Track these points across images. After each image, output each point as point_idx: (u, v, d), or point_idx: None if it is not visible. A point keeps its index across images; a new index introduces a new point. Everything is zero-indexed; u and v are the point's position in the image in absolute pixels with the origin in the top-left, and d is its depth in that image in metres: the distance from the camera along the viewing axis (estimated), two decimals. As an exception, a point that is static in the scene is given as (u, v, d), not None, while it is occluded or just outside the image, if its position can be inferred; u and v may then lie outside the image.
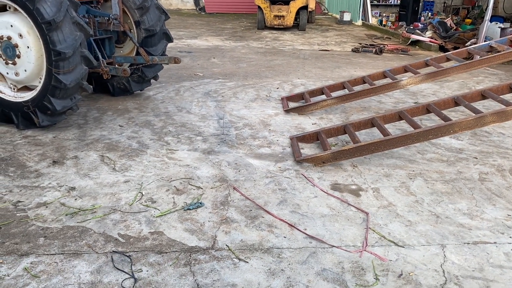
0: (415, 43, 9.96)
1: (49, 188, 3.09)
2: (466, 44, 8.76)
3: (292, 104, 5.17)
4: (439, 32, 9.71)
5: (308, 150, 3.86)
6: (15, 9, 3.81)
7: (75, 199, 2.94)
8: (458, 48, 8.86)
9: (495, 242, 2.55)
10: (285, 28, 12.73)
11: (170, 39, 5.23)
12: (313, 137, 3.98)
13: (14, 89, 4.17)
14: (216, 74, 6.82)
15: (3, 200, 2.91)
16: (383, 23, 14.20)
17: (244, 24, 14.19)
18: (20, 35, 3.86)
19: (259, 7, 12.50)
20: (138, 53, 4.96)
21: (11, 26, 3.85)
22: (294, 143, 3.87)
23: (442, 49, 9.30)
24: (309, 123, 4.57)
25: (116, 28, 4.76)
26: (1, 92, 4.15)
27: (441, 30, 9.70)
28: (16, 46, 3.90)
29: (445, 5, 17.45)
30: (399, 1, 16.70)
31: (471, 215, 2.84)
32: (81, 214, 2.75)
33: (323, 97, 5.06)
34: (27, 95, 4.06)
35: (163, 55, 5.16)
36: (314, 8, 14.29)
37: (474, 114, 3.51)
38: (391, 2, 17.54)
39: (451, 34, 9.47)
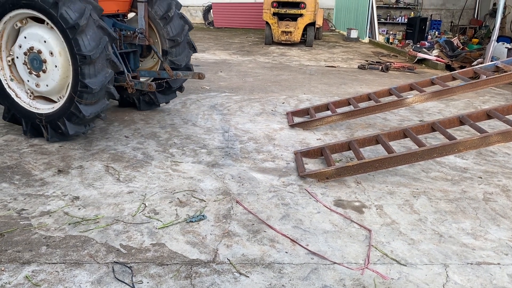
0: (422, 61, 9.99)
1: (53, 197, 3.11)
2: (472, 64, 8.77)
3: (297, 119, 5.19)
4: (445, 51, 9.75)
5: (312, 165, 3.86)
6: (52, 27, 3.81)
7: (79, 209, 2.95)
8: (464, 67, 8.88)
9: (498, 263, 2.53)
10: (292, 44, 12.82)
11: (194, 49, 5.20)
12: (317, 153, 3.98)
13: (30, 96, 4.17)
14: (222, 88, 6.86)
15: (7, 208, 2.92)
16: (390, 41, 14.27)
17: (251, 39, 14.31)
18: (51, 53, 3.87)
19: (267, 22, 12.62)
20: (162, 67, 4.95)
21: (45, 41, 3.85)
22: (298, 158, 3.88)
23: (449, 68, 9.32)
24: (313, 139, 4.58)
25: (141, 42, 4.76)
26: (17, 96, 4.15)
27: (448, 49, 9.74)
28: (44, 61, 3.91)
29: (452, 24, 17.57)
30: (406, 20, 16.83)
31: (475, 235, 2.82)
32: (84, 224, 2.76)
33: (328, 113, 5.08)
34: (43, 109, 4.08)
35: (187, 67, 5.12)
36: (321, 25, 14.41)
37: (479, 134, 3.50)
38: (398, 21, 17.69)
39: (457, 53, 9.50)
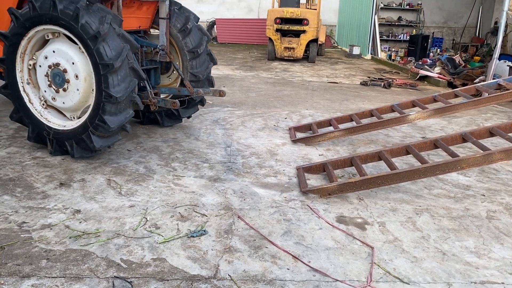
0: (424, 78, 10.04)
1: (54, 210, 3.10)
2: (474, 81, 8.81)
3: (299, 135, 5.19)
4: (447, 68, 9.80)
5: (314, 181, 3.85)
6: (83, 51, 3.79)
7: (80, 222, 2.94)
8: (466, 84, 8.92)
9: (502, 283, 2.50)
10: (295, 60, 12.91)
11: (214, 61, 5.16)
12: (320, 168, 3.97)
13: (43, 104, 4.14)
14: (225, 102, 6.89)
15: (8, 221, 2.92)
16: (392, 57, 14.37)
17: (254, 54, 14.43)
18: (76, 76, 3.85)
19: (270, 38, 12.73)
20: (182, 83, 4.93)
21: (73, 63, 3.84)
22: (300, 174, 3.87)
23: (451, 85, 9.36)
24: (316, 154, 4.58)
25: (162, 59, 4.74)
26: (30, 101, 4.11)
27: (450, 67, 9.79)
28: (67, 81, 3.90)
29: (454, 42, 17.71)
30: (408, 37, 16.95)
31: (479, 254, 2.80)
32: (84, 238, 2.75)
33: (331, 128, 5.08)
34: (53, 123, 4.06)
35: (208, 78, 5.08)
36: (324, 41, 14.54)
37: (482, 151, 3.50)
38: (400, 38, 17.83)
39: (459, 70, 9.55)
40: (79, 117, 4.07)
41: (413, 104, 5.20)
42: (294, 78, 9.98)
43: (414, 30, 17.56)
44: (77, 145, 3.97)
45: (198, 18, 5.03)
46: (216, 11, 17.19)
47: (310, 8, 13.70)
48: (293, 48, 12.52)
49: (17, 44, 3.95)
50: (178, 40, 4.85)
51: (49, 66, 3.93)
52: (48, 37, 3.95)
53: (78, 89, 3.89)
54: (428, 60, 11.87)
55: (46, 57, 3.94)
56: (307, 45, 12.60)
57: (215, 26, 17.63)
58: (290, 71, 10.99)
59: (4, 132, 4.83)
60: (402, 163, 4.37)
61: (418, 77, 10.07)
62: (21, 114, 4.15)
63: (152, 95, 4.38)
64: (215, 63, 5.20)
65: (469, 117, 6.65)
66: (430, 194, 3.71)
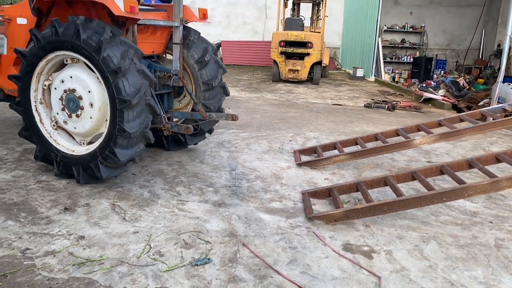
0: (428, 100, 10.05)
1: (58, 236, 3.08)
2: (479, 104, 8.81)
3: (304, 158, 5.18)
4: (452, 91, 9.81)
5: (320, 206, 3.82)
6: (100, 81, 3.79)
7: (84, 249, 2.92)
8: (471, 107, 8.92)
9: (514, 315, 2.44)
10: (299, 82, 12.99)
11: (227, 93, 5.18)
12: (325, 193, 3.95)
13: (53, 125, 4.12)
14: (230, 124, 6.90)
15: (11, 247, 2.90)
16: (396, 79, 14.44)
17: (259, 76, 14.53)
18: (91, 104, 3.85)
19: (274, 61, 12.85)
20: (193, 108, 4.95)
21: (89, 91, 3.85)
22: (306, 199, 3.85)
23: (455, 107, 9.36)
24: (321, 178, 4.56)
25: (175, 83, 4.75)
26: (41, 121, 4.09)
27: (454, 89, 9.81)
28: (81, 108, 3.90)
29: (458, 64, 17.80)
30: (412, 59, 17.08)
31: (488, 284, 2.74)
32: (88, 265, 2.72)
33: (336, 152, 5.07)
34: (62, 146, 4.04)
35: (219, 110, 5.11)
36: (327, 63, 14.64)
37: (489, 178, 3.47)
38: (403, 60, 17.95)
39: (464, 93, 9.56)
40: (89, 143, 4.07)
41: (418, 129, 5.19)
42: (299, 99, 10.02)
43: (418, 52, 17.71)
44: (84, 172, 3.96)
45: (216, 50, 5.06)
46: (222, 33, 17.40)
47: (314, 31, 13.85)
48: (297, 70, 12.61)
49: (35, 64, 3.94)
50: (194, 70, 4.87)
51: (65, 91, 3.92)
52: (66, 61, 3.95)
53: (91, 117, 3.89)
54: (432, 82, 11.91)
55: (62, 81, 3.93)
56: (311, 67, 12.70)
57: (220, 48, 17.82)
58: (295, 93, 11.04)
59: (10, 154, 4.85)
60: (408, 188, 4.34)
61: (422, 99, 10.08)
62: (31, 132, 4.13)
63: (166, 120, 4.36)
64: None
65: (474, 140, 6.62)
66: (437, 221, 3.67)
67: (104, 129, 3.88)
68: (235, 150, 5.52)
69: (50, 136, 4.09)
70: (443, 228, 3.52)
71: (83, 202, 3.67)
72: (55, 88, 3.98)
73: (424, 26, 17.85)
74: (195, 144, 5.36)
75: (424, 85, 11.53)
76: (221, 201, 3.84)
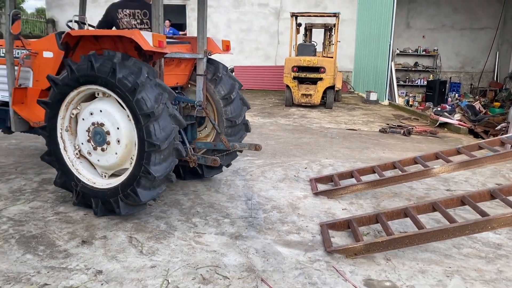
0: (444, 125, 9.96)
1: (76, 270, 3.07)
2: (496, 128, 8.70)
3: (321, 187, 5.13)
4: (468, 115, 9.72)
5: (339, 239, 3.75)
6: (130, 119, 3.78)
7: (101, 284, 2.90)
8: (488, 131, 8.82)
9: None
10: (312, 106, 13.01)
11: (247, 105, 5.17)
12: (344, 225, 3.88)
13: (76, 154, 4.10)
14: (244, 151, 6.89)
15: (30, 282, 2.89)
16: (410, 103, 14.39)
17: (272, 100, 14.60)
18: (118, 141, 3.84)
19: (287, 86, 12.92)
20: (216, 138, 4.96)
21: (118, 128, 3.82)
22: (324, 231, 3.79)
23: (472, 132, 9.25)
24: (339, 208, 4.50)
25: (199, 114, 4.76)
26: (65, 149, 4.06)
27: (470, 113, 9.72)
28: (108, 143, 3.88)
29: (472, 86, 17.70)
30: (425, 82, 17.04)
31: (518, 324, 2.64)
32: (106, 302, 2.69)
33: (353, 181, 5.02)
34: (83, 175, 4.04)
35: (244, 123, 5.10)
36: (340, 87, 14.67)
37: (513, 210, 3.38)
38: (417, 83, 17.92)
39: (480, 117, 9.46)
40: (111, 176, 4.07)
41: (436, 157, 5.12)
42: (312, 124, 10.01)
43: (431, 75, 17.67)
44: (103, 205, 3.96)
45: (227, 68, 5.09)
46: (235, 59, 17.59)
47: (327, 56, 13.94)
48: (310, 94, 12.65)
49: (66, 94, 3.93)
50: (219, 105, 4.88)
51: (93, 123, 3.91)
52: (98, 95, 3.96)
53: (116, 153, 3.88)
54: (447, 106, 11.84)
55: (91, 113, 3.90)
56: (324, 92, 12.72)
57: (233, 73, 18.01)
58: (308, 118, 11.04)
59: (28, 185, 4.90)
60: (428, 218, 4.25)
61: (438, 123, 9.99)
62: (54, 158, 4.12)
63: (192, 152, 4.33)
64: (248, 107, 5.20)
65: (494, 167, 6.50)
66: (460, 253, 3.57)
67: (129, 166, 3.87)
68: (250, 178, 5.50)
69: (72, 165, 4.08)
70: (467, 262, 3.43)
71: (100, 235, 3.66)
72: (83, 119, 3.96)
73: (437, 49, 17.86)
74: (211, 176, 5.32)
75: (439, 109, 11.47)
76: (238, 233, 3.80)
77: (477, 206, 3.60)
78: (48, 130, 4.07)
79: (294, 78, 12.67)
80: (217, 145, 4.85)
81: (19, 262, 3.16)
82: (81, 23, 4.99)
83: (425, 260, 3.42)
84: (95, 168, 4.14)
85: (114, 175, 4.10)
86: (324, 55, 14.44)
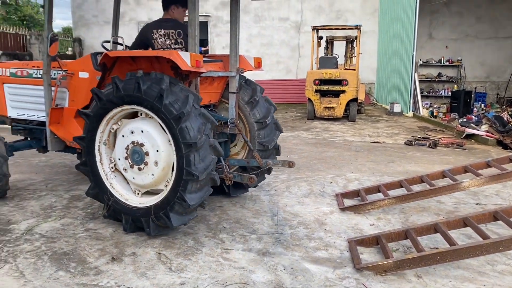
0: (470, 136, 9.76)
1: (107, 287, 3.10)
2: (526, 139, 8.48)
3: (347, 202, 5.08)
4: (495, 126, 9.52)
5: (367, 255, 3.70)
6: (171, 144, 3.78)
7: (132, 302, 2.92)
8: (517, 143, 8.60)
9: None
10: (335, 119, 12.95)
11: (280, 129, 5.15)
12: (373, 241, 3.83)
13: (112, 167, 4.13)
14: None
15: (63, 299, 2.94)
16: (434, 114, 14.17)
17: (294, 114, 14.60)
18: (156, 163, 3.85)
19: (309, 99, 12.92)
20: (248, 155, 4.96)
21: (157, 151, 3.83)
22: (352, 247, 3.74)
23: (500, 143, 9.04)
24: (366, 224, 4.44)
25: (232, 131, 4.77)
26: (101, 162, 4.09)
27: (498, 124, 9.51)
28: (145, 163, 3.88)
29: (498, 96, 17.34)
30: (449, 93, 16.78)
31: None
32: (137, 320, 2.71)
33: (380, 195, 4.95)
34: (116, 190, 4.07)
35: (275, 147, 5.06)
36: (363, 100, 14.57)
37: (549, 226, 3.28)
38: (441, 94, 17.66)
39: (509, 128, 9.25)
40: (144, 193, 4.10)
41: (465, 170, 5.02)
42: (336, 138, 9.95)
43: (456, 86, 17.41)
44: (133, 223, 4.00)
45: (263, 90, 5.11)
46: (256, 73, 17.65)
47: (349, 69, 13.90)
48: (333, 107, 12.61)
49: (109, 110, 3.94)
50: (246, 111, 4.90)
51: (133, 142, 3.90)
52: (141, 115, 3.94)
53: (153, 174, 3.90)
54: (473, 116, 11.59)
55: (132, 132, 3.90)
56: (347, 104, 12.66)
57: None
58: (331, 131, 10.99)
59: (58, 202, 5.01)
60: (459, 233, 4.15)
61: (464, 135, 9.81)
62: (89, 169, 4.14)
63: (228, 170, 4.32)
64: (281, 132, 5.19)
65: (525, 179, 6.32)
66: (494, 270, 3.47)
67: (163, 188, 3.90)
68: (275, 193, 5.49)
69: (107, 179, 4.11)
70: (502, 279, 3.33)
71: (129, 251, 3.70)
72: (123, 136, 3.96)
73: (461, 59, 17.61)
74: (236, 195, 5.28)
75: (465, 120, 11.26)
76: (265, 250, 3.79)
77: (511, 222, 3.50)
78: (87, 142, 4.09)
79: (316, 91, 12.67)
80: (250, 162, 4.83)
81: (52, 279, 3.23)
82: (118, 43, 5.12)
83: (458, 278, 3.33)
84: (128, 183, 4.17)
85: (147, 192, 4.13)
86: (346, 67, 14.40)
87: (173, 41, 4.72)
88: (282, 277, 3.30)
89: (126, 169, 4.04)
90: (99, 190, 4.13)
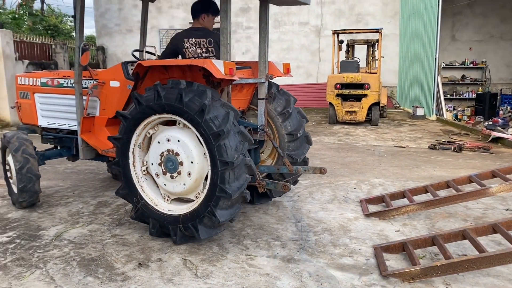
0: (497, 140, 9.55)
1: (134, 293, 3.15)
2: (555, 142, 8.24)
3: (372, 208, 5.03)
4: (523, 129, 9.28)
5: (394, 262, 3.65)
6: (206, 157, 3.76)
7: (159, 308, 2.95)
8: (546, 146, 8.36)
9: None
10: (357, 123, 12.83)
11: (310, 142, 5.13)
12: (399, 248, 3.78)
13: (143, 170, 4.14)
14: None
15: (92, 305, 2.99)
16: (459, 117, 13.91)
17: (314, 118, 14.53)
18: (189, 174, 3.85)
19: (330, 103, 12.84)
20: (277, 162, 4.94)
21: (191, 162, 3.82)
22: (378, 254, 3.70)
23: (528, 146, 8.81)
24: (392, 230, 4.39)
25: (261, 138, 4.73)
26: (133, 164, 4.09)
27: (526, 127, 9.26)
28: (178, 172, 3.88)
29: (525, 98, 16.87)
30: (474, 95, 16.45)
31: None
32: (165, 326, 2.74)
33: (406, 201, 4.89)
34: (146, 195, 4.07)
35: (304, 161, 5.04)
36: (385, 103, 14.41)
37: None
38: (465, 96, 17.33)
39: (537, 131, 9.00)
40: (173, 200, 4.12)
41: (493, 175, 4.90)
42: (358, 142, 9.87)
43: (480, 88, 17.06)
44: (160, 229, 4.04)
45: (296, 100, 5.07)
46: (277, 78, 17.73)
47: (370, 72, 13.78)
48: (354, 111, 12.50)
49: (148, 116, 3.92)
50: (278, 122, 4.86)
51: (168, 150, 3.90)
52: (179, 124, 3.92)
53: (184, 184, 3.91)
54: (499, 119, 11.34)
55: (168, 140, 3.90)
56: (369, 108, 12.54)
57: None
58: (353, 135, 10.90)
59: (85, 208, 5.11)
60: (488, 240, 4.06)
61: (490, 138, 9.59)
62: (121, 170, 4.12)
63: (260, 177, 4.29)
64: (310, 145, 5.15)
65: (556, 184, 6.14)
66: (526, 278, 3.38)
67: (194, 198, 3.92)
68: (298, 199, 5.47)
69: (138, 181, 4.10)
70: (534, 288, 3.24)
71: (155, 257, 3.75)
72: (159, 142, 3.96)
73: (486, 61, 17.26)
74: (279, 196, 5.23)
75: (490, 123, 11.02)
76: (290, 256, 3.78)
77: (543, 228, 3.41)
78: (122, 143, 4.09)
79: (338, 95, 12.58)
80: (280, 168, 4.78)
81: (81, 284, 3.29)
82: (151, 53, 5.17)
83: (488, 285, 3.26)
84: (157, 187, 4.18)
85: (177, 199, 4.14)
86: (367, 71, 14.28)
87: (204, 49, 4.73)
88: (308, 284, 3.29)
89: (158, 175, 4.05)
90: (129, 191, 4.14)
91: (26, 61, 13.67)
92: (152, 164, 4.06)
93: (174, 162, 3.91)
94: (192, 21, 4.95)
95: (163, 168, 3.98)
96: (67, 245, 4.04)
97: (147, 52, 5.27)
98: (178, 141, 3.86)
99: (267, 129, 4.78)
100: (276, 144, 4.77)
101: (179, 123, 3.92)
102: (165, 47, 5.42)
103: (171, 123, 4.05)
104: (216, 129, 3.60)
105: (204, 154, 3.79)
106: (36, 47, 14.63)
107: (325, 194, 5.69)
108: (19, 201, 4.94)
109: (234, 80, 4.04)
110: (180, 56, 4.79)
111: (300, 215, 4.88)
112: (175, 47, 4.75)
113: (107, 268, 3.55)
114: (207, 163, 3.75)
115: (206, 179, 3.83)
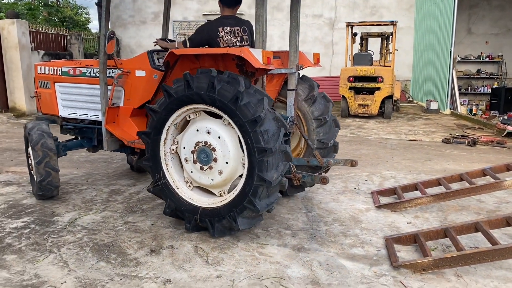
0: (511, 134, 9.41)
1: (146, 278, 3.19)
2: None
3: (383, 200, 5.01)
4: (539, 123, 9.13)
5: (405, 253, 3.64)
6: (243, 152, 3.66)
7: (170, 293, 2.99)
8: None
9: None
10: (370, 116, 12.75)
11: (338, 126, 5.02)
12: (410, 239, 3.77)
13: (172, 149, 4.04)
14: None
15: (105, 289, 3.04)
16: (473, 112, 13.74)
17: (327, 111, 14.46)
18: (220, 172, 3.78)
19: (343, 96, 12.77)
20: (307, 154, 4.85)
21: (226, 162, 3.74)
22: (390, 245, 3.69)
23: (545, 141, 8.67)
24: (403, 222, 4.37)
25: (291, 130, 4.59)
26: (164, 141, 3.96)
27: (542, 122, 9.11)
28: (209, 167, 3.80)
29: (542, 93, 16.57)
30: (489, 90, 16.22)
31: None
32: (176, 310, 2.77)
33: (418, 193, 4.86)
34: (169, 174, 4.00)
35: (334, 145, 4.92)
36: (399, 97, 14.28)
37: None
38: (480, 91, 17.09)
39: (554, 126, 8.85)
40: (194, 188, 4.05)
41: (508, 168, 4.85)
42: (371, 135, 9.81)
43: (496, 82, 16.81)
44: (175, 210, 4.00)
45: (319, 85, 4.97)
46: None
47: (384, 65, 13.66)
48: (367, 105, 12.42)
49: (182, 105, 3.80)
50: (304, 108, 4.76)
51: (205, 142, 3.78)
52: (224, 121, 3.75)
53: (212, 179, 3.85)
54: (515, 114, 11.15)
55: (208, 132, 3.78)
56: (382, 102, 12.44)
57: (287, 85, 18.03)
58: (365, 128, 10.84)
59: (98, 195, 5.17)
60: (501, 233, 4.02)
61: (505, 133, 9.46)
62: (151, 163, 4.02)
63: (295, 169, 4.19)
64: (339, 128, 5.06)
65: None
66: (539, 272, 3.35)
67: (217, 194, 3.90)
68: (309, 190, 5.46)
69: (164, 159, 3.99)
70: (547, 281, 3.20)
71: (167, 244, 3.79)
72: (197, 130, 3.83)
73: (502, 55, 16.97)
74: (293, 194, 5.13)
75: (506, 117, 10.84)
76: (300, 245, 3.79)
77: (558, 222, 3.37)
78: (151, 135, 3.95)
79: (350, 88, 12.51)
80: (310, 161, 4.71)
81: (94, 269, 3.34)
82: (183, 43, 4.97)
83: (500, 278, 3.23)
84: (182, 168, 4.07)
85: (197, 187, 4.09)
86: (381, 64, 14.15)
87: (238, 38, 4.57)
88: (318, 273, 3.30)
89: (187, 160, 3.94)
90: (153, 165, 4.02)
91: (42, 52, 13.82)
92: (184, 148, 3.93)
93: (209, 156, 3.78)
94: (206, 12, 4.86)
95: (194, 157, 3.88)
96: (80, 231, 4.10)
97: (169, 40, 5.11)
98: (219, 137, 3.74)
99: (296, 122, 4.71)
100: (306, 136, 4.68)
101: (224, 120, 3.73)
102: (177, 38, 5.30)
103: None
104: (252, 115, 3.46)
105: (242, 159, 3.70)
106: (51, 38, 14.78)
107: (336, 186, 5.68)
108: (38, 194, 4.88)
109: (270, 70, 3.91)
110: (207, 46, 4.56)
111: (311, 205, 4.88)
112: (207, 36, 4.46)
113: (119, 254, 3.60)
114: (242, 168, 3.68)
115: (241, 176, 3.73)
